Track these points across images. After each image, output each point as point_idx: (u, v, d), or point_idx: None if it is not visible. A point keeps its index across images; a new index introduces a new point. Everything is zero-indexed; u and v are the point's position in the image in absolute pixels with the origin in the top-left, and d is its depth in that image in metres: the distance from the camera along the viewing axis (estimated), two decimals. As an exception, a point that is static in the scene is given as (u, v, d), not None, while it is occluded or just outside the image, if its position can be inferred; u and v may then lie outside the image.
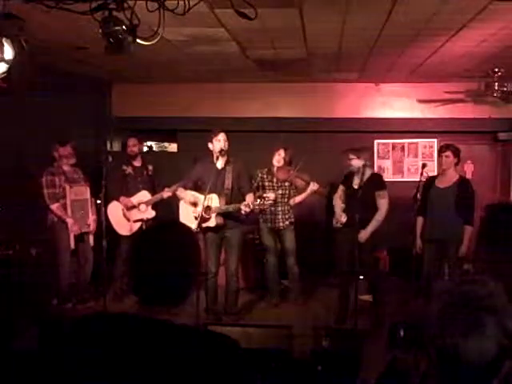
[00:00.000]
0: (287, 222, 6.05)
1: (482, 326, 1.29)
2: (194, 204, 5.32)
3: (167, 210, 6.00)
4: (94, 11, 3.38)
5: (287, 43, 5.26)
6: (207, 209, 5.20)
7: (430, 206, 5.39)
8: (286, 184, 6.02)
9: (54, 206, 5.58)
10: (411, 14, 4.20)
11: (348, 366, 3.50)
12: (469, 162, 7.79)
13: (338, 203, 5.54)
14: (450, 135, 7.49)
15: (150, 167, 6.28)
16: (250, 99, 7.75)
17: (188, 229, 1.73)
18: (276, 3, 3.94)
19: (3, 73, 3.91)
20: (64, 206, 5.62)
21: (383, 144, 8.09)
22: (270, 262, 6.18)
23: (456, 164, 5.40)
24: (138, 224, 6.00)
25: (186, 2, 3.37)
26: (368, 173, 5.38)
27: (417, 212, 5.42)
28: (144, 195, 6.09)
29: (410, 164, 8.05)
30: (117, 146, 8.47)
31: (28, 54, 4.04)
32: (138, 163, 6.24)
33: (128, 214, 6.02)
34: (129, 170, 6.15)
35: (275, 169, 5.99)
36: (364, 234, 5.26)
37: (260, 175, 6.08)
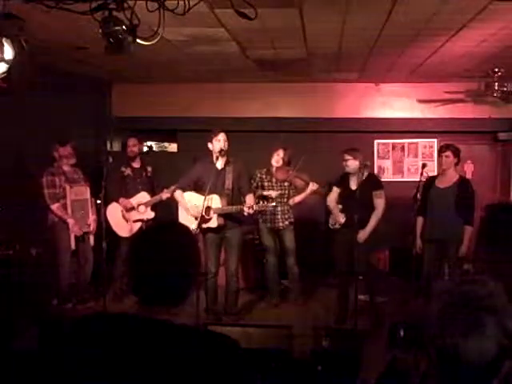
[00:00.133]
0: (287, 222, 6.05)
1: (482, 326, 1.29)
2: (190, 210, 5.31)
3: (166, 210, 5.99)
4: (94, 11, 3.38)
5: (287, 43, 5.26)
6: (207, 209, 5.20)
7: (430, 206, 5.39)
8: (286, 184, 6.02)
9: (55, 206, 5.58)
10: (411, 14, 4.20)
11: (348, 365, 3.50)
12: (469, 162, 7.80)
13: (334, 205, 5.52)
14: (449, 135, 7.49)
15: (149, 168, 6.27)
16: (250, 99, 7.75)
17: (187, 229, 1.73)
18: (276, 3, 3.94)
19: (3, 73, 3.91)
20: (64, 206, 5.62)
21: (383, 144, 8.09)
22: (270, 262, 6.18)
23: (456, 164, 5.40)
24: (138, 225, 5.99)
25: (186, 2, 3.37)
26: (365, 173, 5.38)
27: (417, 212, 5.42)
28: (143, 196, 6.09)
29: (409, 164, 8.05)
30: (117, 146, 8.46)
31: (28, 54, 4.04)
32: (137, 164, 6.23)
33: (127, 216, 6.02)
34: (128, 171, 6.14)
35: (274, 169, 5.99)
36: (363, 235, 5.27)
37: (259, 175, 6.08)
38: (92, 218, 5.84)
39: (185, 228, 1.73)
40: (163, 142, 8.86)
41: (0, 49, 3.81)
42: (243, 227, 5.70)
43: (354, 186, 5.38)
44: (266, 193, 5.97)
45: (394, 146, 8.09)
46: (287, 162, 5.99)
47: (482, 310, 1.31)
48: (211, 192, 5.16)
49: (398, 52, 5.62)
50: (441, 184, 5.43)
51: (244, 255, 6.24)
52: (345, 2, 3.89)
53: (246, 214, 5.25)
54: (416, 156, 8.03)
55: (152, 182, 6.23)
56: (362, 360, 3.63)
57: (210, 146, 5.35)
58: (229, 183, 5.35)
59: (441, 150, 5.47)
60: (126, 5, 3.39)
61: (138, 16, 3.41)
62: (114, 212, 5.97)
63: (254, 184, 6.02)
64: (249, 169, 5.86)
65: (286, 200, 6.04)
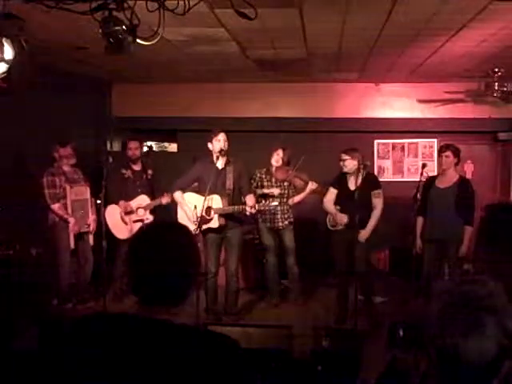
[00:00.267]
0: (286, 222, 6.05)
1: (482, 326, 1.29)
2: (190, 211, 5.29)
3: (165, 213, 5.97)
4: (94, 11, 3.38)
5: (287, 43, 5.26)
6: (208, 209, 5.20)
7: (430, 206, 5.39)
8: (285, 184, 6.02)
9: (56, 206, 5.58)
10: (411, 14, 4.20)
11: (348, 365, 3.50)
12: (469, 162, 7.80)
13: (331, 207, 5.49)
14: (449, 135, 7.49)
15: (150, 171, 6.24)
16: (250, 99, 7.75)
17: (186, 229, 1.73)
18: (276, 3, 3.94)
19: (3, 73, 3.91)
20: (65, 206, 5.62)
21: (383, 144, 8.09)
22: (270, 262, 6.18)
23: (456, 164, 5.40)
24: (136, 227, 5.94)
25: (186, 2, 3.37)
26: (364, 173, 5.38)
27: (417, 212, 5.42)
28: (143, 199, 6.06)
29: (410, 164, 8.05)
30: (117, 146, 8.47)
31: (28, 54, 4.04)
32: (137, 167, 6.20)
33: (126, 218, 6.00)
34: (128, 173, 6.12)
35: (274, 169, 5.99)
36: (364, 234, 5.28)
37: (259, 175, 6.08)
38: (92, 218, 5.84)
39: (184, 228, 1.73)
40: (163, 141, 8.87)
41: (0, 49, 3.81)
42: (243, 227, 5.71)
43: (352, 186, 5.37)
44: (267, 190, 5.97)
45: (394, 146, 8.09)
46: (287, 162, 5.99)
47: (482, 310, 1.31)
48: (211, 192, 5.16)
49: (398, 52, 5.62)
50: (441, 184, 5.43)
51: (244, 255, 6.24)
52: (345, 1, 3.89)
53: (248, 213, 5.27)
54: (416, 156, 8.03)
55: (152, 185, 6.20)
56: (361, 360, 3.63)
57: (209, 145, 5.35)
58: (230, 183, 5.35)
59: (441, 150, 5.47)
60: (126, 5, 3.39)
61: (137, 16, 3.41)
62: (112, 214, 5.94)
63: (254, 184, 6.03)
64: (249, 169, 5.86)
65: (285, 200, 6.04)
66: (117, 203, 5.97)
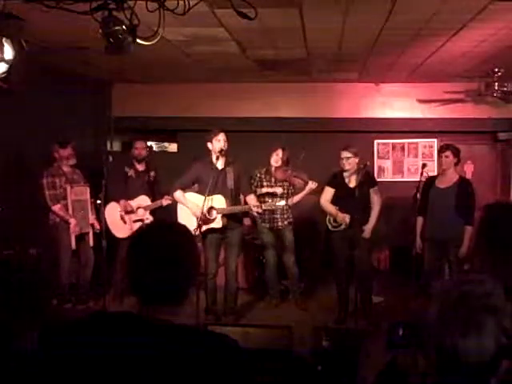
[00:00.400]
0: (286, 222, 6.05)
1: (481, 326, 1.30)
2: (192, 209, 5.29)
3: (165, 214, 5.96)
4: (94, 11, 3.38)
5: (287, 43, 5.26)
6: (210, 209, 5.20)
7: (430, 206, 5.39)
8: (285, 184, 6.02)
9: (57, 207, 5.58)
10: (411, 14, 4.20)
11: (348, 365, 3.50)
12: (469, 162, 7.80)
13: (330, 206, 5.48)
14: (449, 135, 7.50)
15: (152, 173, 6.24)
16: (250, 99, 7.75)
17: (185, 229, 1.73)
18: (276, 3, 3.94)
19: (3, 73, 3.92)
20: (65, 207, 5.62)
21: (383, 144, 8.09)
22: (270, 262, 6.18)
23: (456, 164, 5.40)
24: (135, 227, 5.93)
25: (186, 2, 3.37)
26: (363, 171, 5.39)
27: (417, 212, 5.42)
28: (144, 200, 6.05)
29: (410, 164, 8.05)
30: (117, 146, 8.47)
31: (28, 54, 4.05)
32: (141, 167, 6.20)
33: (125, 217, 5.99)
34: (131, 172, 6.12)
35: (273, 169, 5.99)
36: (368, 230, 5.32)
37: (258, 175, 6.08)
38: (93, 218, 5.84)
39: (184, 228, 1.73)
40: (163, 141, 8.87)
41: (0, 49, 3.82)
42: (243, 227, 5.71)
43: (352, 184, 5.38)
44: (271, 190, 5.96)
45: (393, 146, 8.09)
46: (286, 162, 5.99)
47: (482, 310, 1.31)
48: (212, 192, 5.16)
49: (398, 52, 5.62)
50: (441, 184, 5.43)
51: (244, 255, 6.24)
52: (345, 1, 3.89)
53: (254, 213, 5.29)
54: (416, 156, 8.03)
55: (153, 186, 6.20)
56: (361, 360, 3.63)
57: (209, 145, 5.35)
58: (231, 183, 5.35)
59: (441, 150, 5.47)
60: (126, 5, 3.39)
61: (137, 16, 3.42)
62: (111, 212, 5.93)
63: (254, 184, 6.03)
64: (249, 169, 5.87)
65: (285, 200, 6.03)
66: (117, 201, 5.96)
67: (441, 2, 3.86)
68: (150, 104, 7.80)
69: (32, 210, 5.60)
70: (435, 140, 7.90)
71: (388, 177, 8.05)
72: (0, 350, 3.64)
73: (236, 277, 5.61)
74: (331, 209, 5.47)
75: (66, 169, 5.70)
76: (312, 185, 5.81)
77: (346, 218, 5.34)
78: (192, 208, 5.27)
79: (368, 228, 5.35)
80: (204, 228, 5.19)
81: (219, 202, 5.25)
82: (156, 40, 3.56)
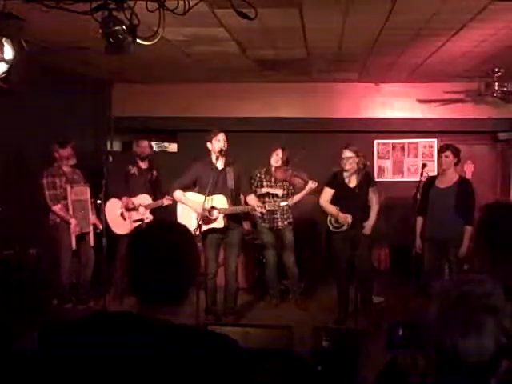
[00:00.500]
0: (286, 222, 6.05)
1: (481, 326, 1.30)
2: (193, 208, 5.29)
3: (165, 214, 5.96)
4: (94, 11, 3.38)
5: (287, 43, 5.26)
6: (211, 209, 5.19)
7: (430, 206, 5.39)
8: (285, 184, 6.02)
9: (57, 207, 5.58)
10: (411, 14, 4.20)
11: (348, 366, 3.49)
12: (469, 162, 7.80)
13: (330, 207, 5.47)
14: (449, 135, 7.50)
15: (155, 172, 6.25)
16: (250, 99, 7.75)
17: (185, 229, 1.73)
18: (276, 3, 3.94)
19: (3, 73, 3.92)
20: (65, 207, 5.62)
21: (383, 144, 8.09)
22: (270, 262, 6.18)
23: (456, 164, 5.40)
24: (135, 225, 5.92)
25: (186, 2, 3.37)
26: (363, 171, 5.40)
27: (417, 212, 5.42)
28: (145, 198, 6.05)
29: (410, 164, 8.05)
30: (117, 146, 8.47)
31: (28, 54, 4.05)
32: (144, 165, 6.20)
33: (125, 214, 5.99)
34: (134, 170, 6.12)
35: (273, 169, 5.99)
36: (368, 227, 5.34)
37: (258, 175, 6.08)
38: (93, 218, 5.85)
39: (183, 228, 1.73)
40: (163, 141, 8.86)
41: (0, 49, 3.82)
42: (243, 227, 5.71)
43: (352, 184, 5.38)
44: (272, 190, 5.96)
45: (393, 146, 8.09)
46: (286, 162, 5.99)
47: (481, 310, 1.31)
48: (212, 192, 5.15)
49: (398, 52, 5.62)
50: (441, 184, 5.43)
51: (244, 255, 6.24)
52: (345, 1, 3.89)
53: (258, 213, 5.31)
54: (416, 156, 8.03)
55: (155, 185, 6.20)
56: (361, 360, 3.63)
57: (209, 145, 5.35)
58: (231, 184, 5.34)
59: (441, 150, 5.47)
60: (126, 5, 3.39)
61: (137, 16, 3.42)
62: (112, 208, 5.92)
63: (254, 184, 6.03)
64: (249, 169, 5.87)
65: (285, 200, 6.02)
66: (119, 198, 5.95)
67: (441, 1, 3.86)
68: (149, 104, 7.80)
69: (32, 209, 5.59)
70: (435, 140, 7.90)
71: (388, 177, 8.05)
72: (0, 350, 3.64)
73: (236, 277, 5.61)
74: (332, 209, 5.46)
75: (66, 169, 5.70)
76: (312, 184, 5.80)
77: (348, 218, 5.32)
78: (193, 206, 5.26)
79: (369, 225, 5.38)
80: (206, 228, 5.19)
81: (221, 201, 5.24)
82: (156, 40, 3.56)
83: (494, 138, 7.85)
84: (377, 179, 7.62)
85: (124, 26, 3.44)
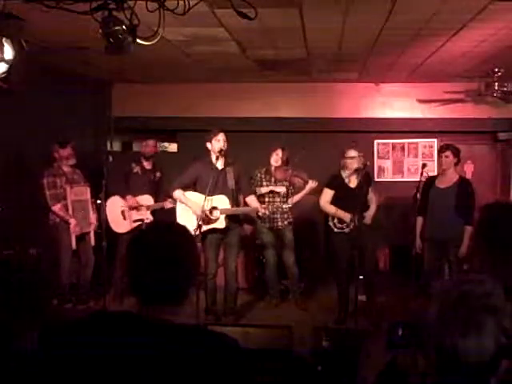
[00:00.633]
0: (286, 222, 6.05)
1: (481, 326, 1.30)
2: (193, 208, 5.28)
3: (165, 214, 5.95)
4: (94, 11, 3.38)
5: (287, 43, 5.26)
6: (212, 209, 5.19)
7: (430, 206, 5.39)
8: (285, 183, 6.02)
9: (57, 207, 5.57)
10: (411, 14, 4.20)
11: (348, 366, 3.49)
12: (469, 162, 7.80)
13: (330, 207, 5.47)
14: (449, 135, 7.50)
15: (158, 173, 6.24)
16: (250, 99, 7.75)
17: (185, 229, 1.73)
18: (276, 3, 3.94)
19: (3, 73, 3.92)
20: (65, 207, 5.62)
21: (383, 144, 8.09)
22: (270, 262, 6.17)
23: (456, 164, 5.41)
24: (135, 224, 5.91)
25: (186, 2, 3.37)
26: (363, 171, 5.41)
27: (417, 212, 5.42)
28: (147, 199, 6.04)
29: (410, 164, 8.05)
30: (117, 146, 8.47)
31: (28, 54, 4.05)
32: (148, 165, 6.19)
33: (126, 213, 5.98)
34: (137, 169, 6.11)
35: (273, 168, 6.00)
36: (369, 217, 5.41)
37: (259, 175, 6.08)
38: (94, 218, 5.84)
39: (183, 228, 1.73)
40: (163, 141, 8.86)
41: (0, 49, 3.82)
42: (243, 227, 5.72)
43: (352, 184, 5.39)
44: (274, 188, 5.96)
45: (393, 146, 8.09)
46: (286, 162, 6.00)
47: (481, 310, 1.31)
48: (213, 192, 5.15)
49: (398, 52, 5.62)
50: (441, 184, 5.43)
51: (244, 255, 6.23)
52: (345, 1, 3.89)
53: (261, 214, 5.35)
54: (416, 156, 8.03)
55: (158, 186, 6.19)
56: (361, 360, 3.63)
57: (208, 145, 5.35)
58: (232, 184, 5.34)
59: (441, 150, 5.48)
60: (126, 5, 3.39)
61: (137, 16, 3.42)
62: (113, 206, 5.91)
63: (255, 184, 6.03)
64: (249, 169, 5.87)
65: (285, 200, 6.04)
66: (123, 197, 5.95)
67: (441, 1, 3.86)
68: (150, 104, 7.80)
69: (32, 209, 5.59)
70: (435, 140, 7.90)
71: (388, 177, 8.05)
72: (0, 350, 3.64)
73: (236, 277, 5.61)
74: (331, 209, 5.46)
75: (65, 169, 5.69)
76: (312, 184, 5.80)
77: (347, 216, 5.32)
78: (192, 206, 5.26)
79: (369, 215, 5.43)
80: (206, 228, 5.19)
81: (222, 202, 5.24)
82: (156, 40, 3.56)
83: (494, 138, 7.85)
84: (377, 179, 7.65)
85: (124, 26, 3.44)
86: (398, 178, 8.01)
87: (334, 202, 5.44)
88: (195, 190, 5.42)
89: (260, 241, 6.33)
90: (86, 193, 5.85)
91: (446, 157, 5.35)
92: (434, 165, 7.47)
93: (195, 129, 7.48)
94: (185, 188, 5.42)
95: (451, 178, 5.39)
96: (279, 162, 5.97)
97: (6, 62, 3.88)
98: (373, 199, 5.53)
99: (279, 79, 7.36)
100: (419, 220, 5.48)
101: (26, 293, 4.97)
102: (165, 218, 5.88)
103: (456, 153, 5.36)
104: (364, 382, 3.20)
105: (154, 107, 7.81)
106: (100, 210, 5.66)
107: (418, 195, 5.34)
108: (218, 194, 5.23)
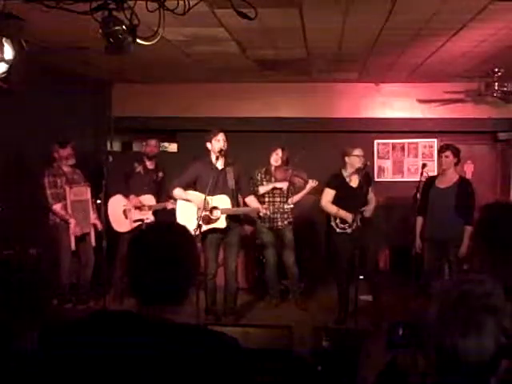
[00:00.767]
0: (286, 222, 6.05)
1: (481, 326, 1.30)
2: (197, 203, 5.28)
3: (165, 215, 5.95)
4: (94, 11, 3.38)
5: (287, 43, 5.26)
6: (213, 209, 5.19)
7: (430, 206, 5.39)
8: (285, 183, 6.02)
9: (58, 207, 5.57)
10: (411, 14, 4.20)
11: (348, 366, 3.49)
12: (469, 162, 7.80)
13: (331, 207, 5.46)
14: (449, 135, 7.50)
15: (161, 174, 6.24)
16: (250, 99, 7.75)
17: (185, 229, 1.73)
18: (276, 3, 3.94)
19: (3, 73, 3.92)
20: (65, 207, 5.61)
21: (383, 144, 8.09)
22: (270, 262, 6.17)
23: (456, 164, 5.41)
24: (136, 224, 5.91)
25: (186, 2, 3.37)
26: (364, 171, 5.42)
27: (417, 212, 5.43)
28: (149, 199, 6.03)
29: (410, 164, 8.06)
30: (117, 146, 8.47)
31: (28, 54, 4.05)
32: (151, 165, 6.18)
33: (128, 213, 5.98)
34: (139, 168, 6.11)
35: (273, 168, 6.00)
36: (369, 210, 5.43)
37: (259, 175, 6.08)
38: (94, 217, 5.84)
39: (183, 228, 1.73)
40: (163, 141, 8.85)
41: (0, 49, 3.82)
42: (243, 227, 5.72)
43: (354, 184, 5.39)
44: (278, 185, 5.96)
45: (393, 146, 8.10)
46: (286, 162, 6.00)
47: (481, 310, 1.31)
48: (213, 192, 5.15)
49: (398, 52, 5.62)
50: (441, 184, 5.43)
51: (244, 255, 6.23)
52: (345, 1, 3.89)
53: (262, 214, 5.36)
54: (416, 156, 8.03)
55: (160, 186, 6.19)
56: (361, 360, 3.63)
57: (208, 145, 5.35)
58: (232, 183, 5.34)
59: (441, 150, 5.48)
60: (126, 5, 3.39)
61: (137, 16, 3.41)
62: (115, 205, 5.91)
63: (255, 183, 6.02)
64: (249, 169, 5.87)
65: (285, 199, 6.03)
66: (126, 196, 5.94)
67: (441, 1, 3.86)
68: (150, 104, 7.80)
69: (32, 210, 5.59)
70: (435, 140, 7.90)
71: (388, 177, 8.05)
72: (0, 350, 3.64)
73: (236, 277, 5.60)
74: (332, 209, 5.46)
75: (65, 169, 5.69)
76: (313, 183, 5.81)
77: (349, 216, 5.32)
78: (195, 200, 5.26)
79: (369, 208, 5.45)
80: (207, 228, 5.19)
81: (223, 202, 5.24)
82: (156, 40, 3.56)
83: (494, 138, 7.85)
84: (377, 179, 7.65)
85: (124, 26, 3.44)
86: (398, 178, 8.01)
87: (336, 201, 5.44)
88: (195, 190, 5.43)
89: (260, 241, 6.33)
90: (86, 193, 5.84)
91: (446, 157, 5.35)
92: (434, 165, 7.47)
93: (195, 129, 7.48)
94: (185, 188, 5.42)
95: (451, 178, 5.39)
96: (279, 162, 5.97)
97: (6, 62, 3.88)
98: (373, 199, 5.55)
99: (279, 79, 7.36)
100: (419, 220, 5.48)
101: (25, 293, 4.97)
102: (166, 218, 5.88)
103: (456, 153, 5.36)
104: (364, 382, 3.20)
105: (154, 107, 7.81)
106: (100, 210, 5.65)
107: (418, 195, 5.34)
108: (218, 194, 5.23)
